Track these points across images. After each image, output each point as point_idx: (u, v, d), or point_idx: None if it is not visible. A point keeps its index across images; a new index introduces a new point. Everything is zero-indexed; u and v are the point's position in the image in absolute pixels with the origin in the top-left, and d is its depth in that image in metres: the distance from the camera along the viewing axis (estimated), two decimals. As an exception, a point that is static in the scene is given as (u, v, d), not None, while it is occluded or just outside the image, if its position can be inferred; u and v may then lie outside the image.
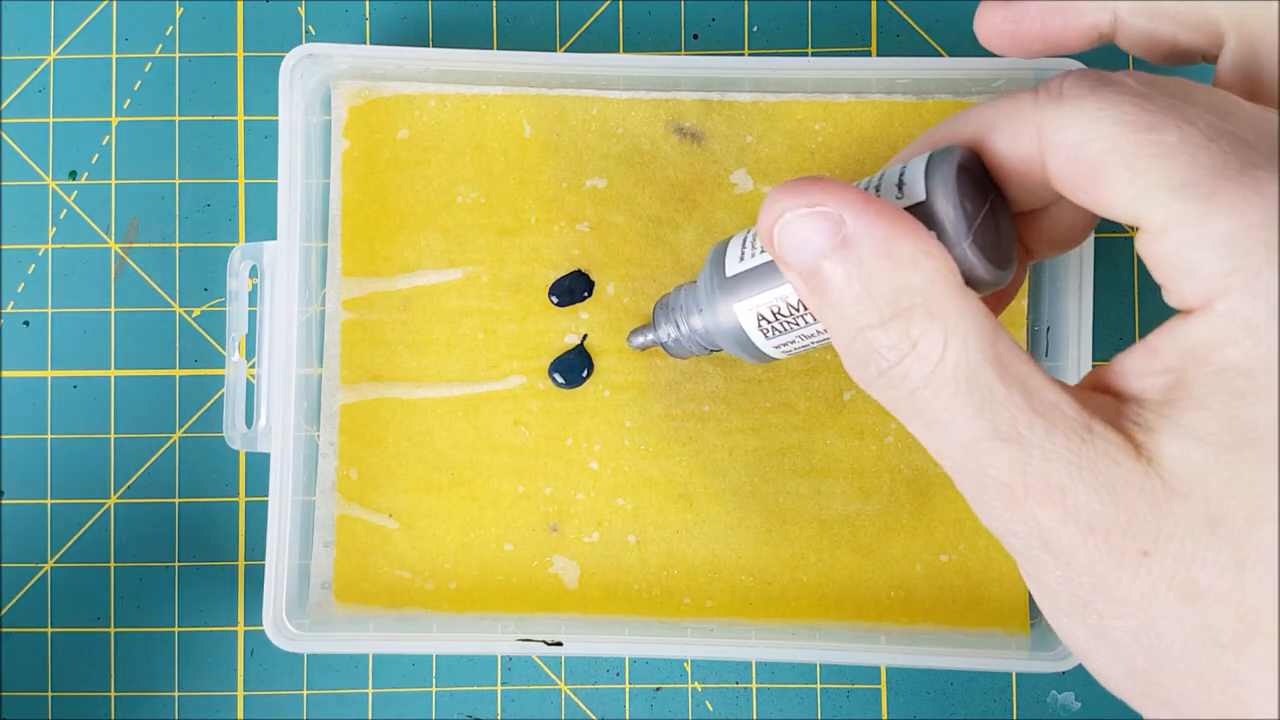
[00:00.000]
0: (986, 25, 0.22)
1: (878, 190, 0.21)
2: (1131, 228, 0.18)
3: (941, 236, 0.20)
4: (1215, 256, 0.16)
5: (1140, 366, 0.18)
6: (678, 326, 0.28)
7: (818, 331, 0.23)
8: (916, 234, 0.19)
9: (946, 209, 0.20)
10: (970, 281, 0.20)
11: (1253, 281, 0.16)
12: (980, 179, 0.20)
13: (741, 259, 0.24)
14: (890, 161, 0.22)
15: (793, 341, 0.24)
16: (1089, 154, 0.18)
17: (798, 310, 0.23)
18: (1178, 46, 0.21)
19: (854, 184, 0.20)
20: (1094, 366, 0.31)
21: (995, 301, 0.24)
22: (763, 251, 0.23)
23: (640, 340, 0.31)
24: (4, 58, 0.35)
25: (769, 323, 0.23)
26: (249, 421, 0.33)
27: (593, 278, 0.33)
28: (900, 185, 0.20)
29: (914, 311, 0.18)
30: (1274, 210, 0.16)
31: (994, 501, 0.18)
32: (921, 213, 0.20)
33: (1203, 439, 0.17)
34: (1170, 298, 0.17)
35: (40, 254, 0.35)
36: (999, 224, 0.21)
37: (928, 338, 0.18)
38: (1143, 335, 0.34)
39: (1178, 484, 0.17)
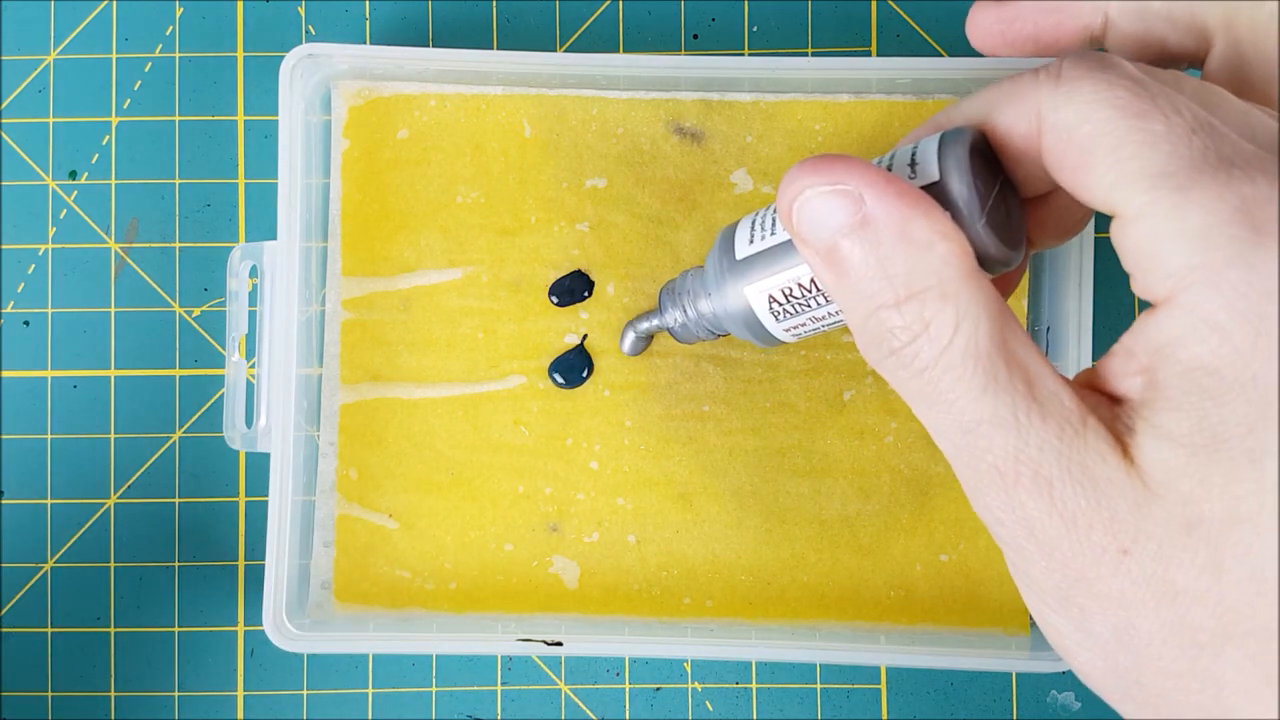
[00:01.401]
0: (979, 26, 0.22)
1: (890, 169, 0.21)
2: (1110, 217, 0.18)
3: (956, 216, 0.20)
4: (1182, 249, 0.16)
5: (1120, 368, 0.18)
6: (685, 311, 0.28)
7: (830, 314, 0.23)
8: (933, 215, 0.19)
9: (960, 189, 0.20)
10: (983, 261, 0.20)
11: (1216, 277, 0.16)
12: (990, 160, 0.21)
13: (752, 241, 0.24)
14: (900, 142, 0.22)
15: (804, 324, 0.24)
16: (1078, 136, 0.18)
17: (810, 292, 0.23)
18: (1167, 48, 0.21)
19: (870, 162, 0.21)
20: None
21: (1003, 285, 0.24)
22: (775, 233, 0.23)
23: (646, 325, 0.30)
24: (4, 58, 0.35)
25: (780, 305, 0.23)
26: (249, 421, 0.33)
27: (593, 278, 0.33)
28: (913, 165, 0.20)
29: (928, 293, 0.18)
30: (1244, 207, 0.16)
31: (987, 487, 0.18)
32: (935, 193, 0.20)
33: (1176, 441, 0.17)
34: (1137, 287, 0.18)
35: (40, 254, 0.35)
36: (1009, 205, 0.21)
37: (940, 319, 0.18)
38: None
39: (1155, 485, 0.17)
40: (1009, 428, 0.18)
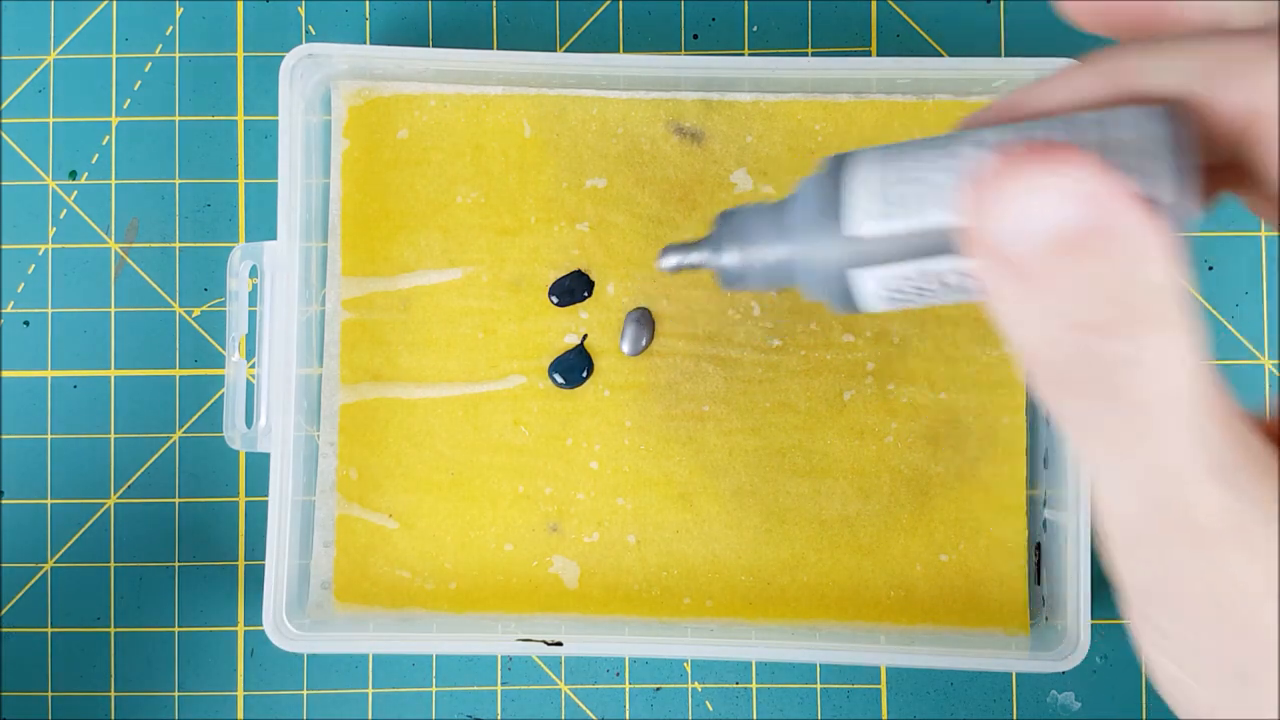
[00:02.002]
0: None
1: None
2: None
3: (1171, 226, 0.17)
4: None
5: None
6: (748, 255, 0.22)
7: (951, 298, 0.19)
8: (1163, 231, 0.16)
9: (1179, 194, 0.17)
10: None
11: None
12: (1182, 140, 0.17)
13: (883, 217, 0.18)
14: (1020, 101, 0.18)
15: (910, 303, 0.19)
16: None
17: (948, 285, 0.19)
18: None
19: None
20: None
21: None
22: (921, 214, 0.18)
23: (682, 260, 0.23)
24: (4, 58, 0.35)
25: (900, 294, 0.19)
26: (249, 421, 0.33)
27: (593, 278, 0.33)
28: (1114, 152, 0.17)
29: (1151, 322, 0.16)
30: None
31: (1176, 538, 0.16)
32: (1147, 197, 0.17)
33: None
34: None
35: (40, 254, 0.35)
36: None
37: (1161, 352, 0.16)
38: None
39: None
40: (1220, 481, 0.16)
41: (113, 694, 0.34)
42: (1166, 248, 0.16)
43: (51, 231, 0.35)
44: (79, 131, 0.35)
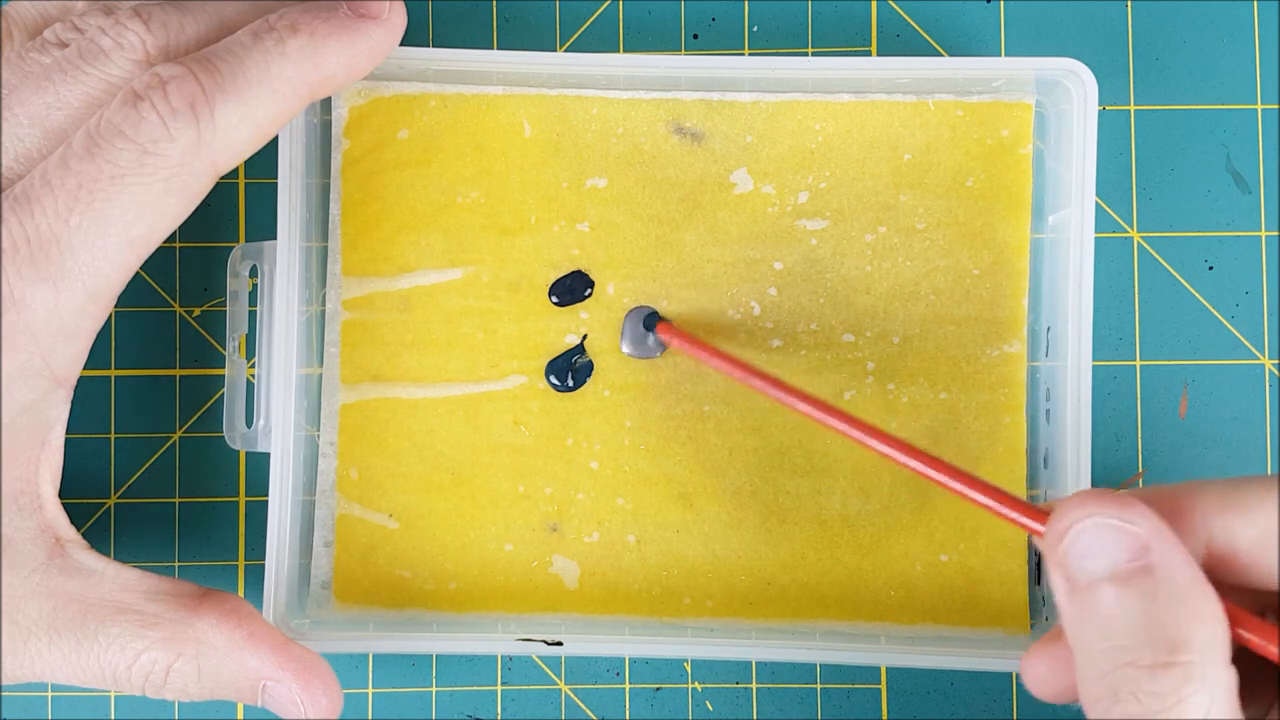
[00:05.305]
0: (1032, 673, 0.23)
1: None
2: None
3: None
4: None
5: None
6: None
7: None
8: (1209, 591, 0.18)
9: None
10: None
11: None
12: None
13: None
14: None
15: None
16: None
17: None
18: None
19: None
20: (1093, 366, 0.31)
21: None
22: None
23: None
24: (4, 57, 0.35)
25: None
26: (249, 421, 0.33)
27: (593, 278, 0.33)
28: None
29: (1192, 667, 0.18)
30: None
31: None
32: None
33: None
34: None
35: (40, 254, 0.35)
36: None
37: (1196, 699, 0.18)
38: (1142, 338, 0.34)
39: None
40: None
41: (113, 694, 0.34)
42: (1214, 607, 0.18)
43: (51, 231, 0.34)
44: (79, 131, 0.35)
